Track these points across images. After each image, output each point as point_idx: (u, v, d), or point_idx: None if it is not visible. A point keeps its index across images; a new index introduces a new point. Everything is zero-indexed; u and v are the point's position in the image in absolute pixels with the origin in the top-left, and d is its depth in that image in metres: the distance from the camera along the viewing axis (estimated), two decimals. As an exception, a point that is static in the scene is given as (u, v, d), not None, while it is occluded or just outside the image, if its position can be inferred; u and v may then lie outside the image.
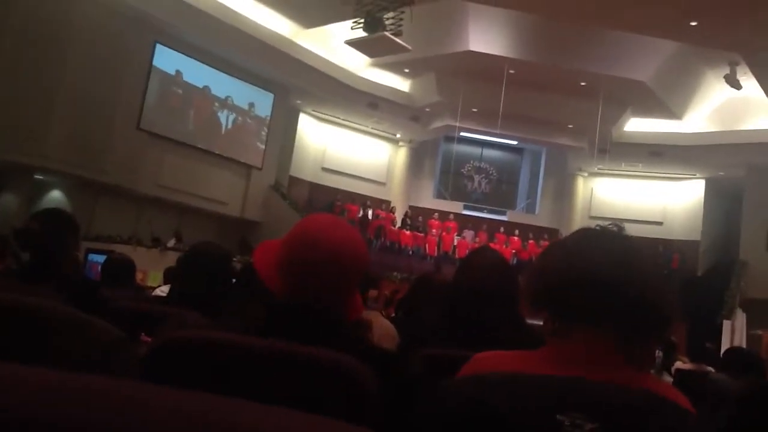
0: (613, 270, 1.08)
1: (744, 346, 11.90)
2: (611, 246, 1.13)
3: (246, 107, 17.31)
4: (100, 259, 6.37)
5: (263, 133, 17.73)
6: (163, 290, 3.61)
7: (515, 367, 1.11)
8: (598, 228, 1.21)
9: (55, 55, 12.86)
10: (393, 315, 3.52)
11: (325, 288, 1.18)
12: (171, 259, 10.37)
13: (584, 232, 1.20)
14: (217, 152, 16.67)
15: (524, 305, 1.23)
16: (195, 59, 15.99)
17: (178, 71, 15.87)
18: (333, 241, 1.20)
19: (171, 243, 14.06)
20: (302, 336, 1.08)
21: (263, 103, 17.67)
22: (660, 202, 20.33)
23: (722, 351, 7.32)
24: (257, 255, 1.30)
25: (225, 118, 17.01)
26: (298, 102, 18.74)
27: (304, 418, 0.41)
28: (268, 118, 17.80)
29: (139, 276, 8.21)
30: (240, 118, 17.28)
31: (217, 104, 16.78)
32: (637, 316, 1.08)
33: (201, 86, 16.38)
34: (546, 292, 1.14)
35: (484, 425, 0.94)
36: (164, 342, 1.06)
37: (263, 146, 17.77)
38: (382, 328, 1.79)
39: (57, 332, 1.12)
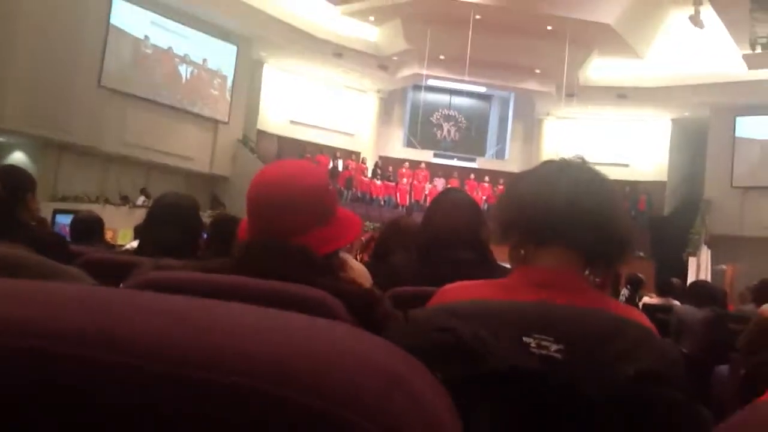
0: (581, 196, 1.12)
1: (708, 280, 12.23)
2: (578, 174, 1.16)
3: (201, 62, 16.88)
4: (68, 219, 6.26)
5: (216, 82, 17.27)
6: (133, 246, 3.58)
7: (482, 294, 1.13)
8: (562, 160, 1.24)
9: (6, 13, 12.39)
10: (366, 260, 3.53)
11: (278, 222, 1.19)
12: (140, 216, 10.21)
13: (551, 163, 1.23)
14: (180, 107, 16.35)
15: (494, 235, 1.26)
16: (154, 12, 15.56)
17: (146, 35, 15.54)
18: (277, 175, 1.24)
19: (140, 201, 13.91)
20: (269, 272, 1.09)
21: (226, 55, 17.30)
22: (627, 144, 20.48)
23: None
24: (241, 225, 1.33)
25: (185, 71, 16.64)
26: (262, 54, 18.36)
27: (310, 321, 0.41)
28: (232, 70, 17.45)
29: (108, 234, 8.12)
30: (197, 72, 16.89)
31: (177, 59, 16.40)
32: (602, 240, 1.12)
33: (164, 44, 15.97)
34: (516, 219, 1.16)
35: (454, 352, 0.96)
36: (137, 284, 1.07)
37: (228, 99, 17.46)
38: (355, 269, 1.80)
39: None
